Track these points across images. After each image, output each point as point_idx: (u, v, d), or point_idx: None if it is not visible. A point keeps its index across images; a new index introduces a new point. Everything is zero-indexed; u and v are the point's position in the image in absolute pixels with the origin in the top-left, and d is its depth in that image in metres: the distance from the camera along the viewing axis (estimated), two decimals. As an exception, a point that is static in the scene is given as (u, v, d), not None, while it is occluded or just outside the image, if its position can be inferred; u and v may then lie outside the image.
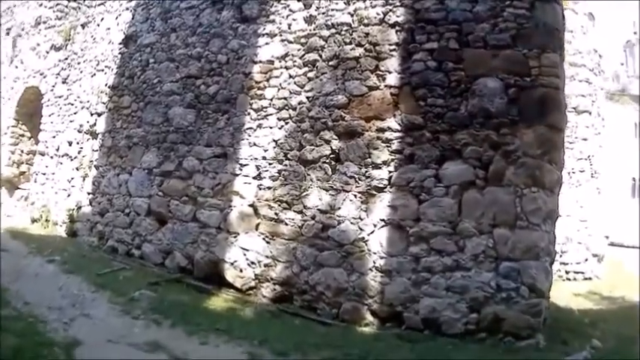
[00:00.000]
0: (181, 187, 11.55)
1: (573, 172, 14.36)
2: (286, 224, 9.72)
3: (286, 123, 10.00)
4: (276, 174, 9.98)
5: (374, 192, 8.83)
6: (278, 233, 9.81)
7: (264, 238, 9.99)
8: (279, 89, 10.23)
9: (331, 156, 9.37)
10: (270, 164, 10.10)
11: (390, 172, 8.73)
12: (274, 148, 10.09)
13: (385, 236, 8.67)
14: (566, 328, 8.76)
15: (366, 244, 8.81)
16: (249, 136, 10.50)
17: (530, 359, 7.06)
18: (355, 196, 9.00)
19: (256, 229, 10.14)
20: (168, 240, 11.54)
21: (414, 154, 8.53)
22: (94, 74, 14.89)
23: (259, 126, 10.38)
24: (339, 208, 9.13)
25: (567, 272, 14.36)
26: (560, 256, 14.02)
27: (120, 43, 14.11)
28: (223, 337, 7.46)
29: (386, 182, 8.74)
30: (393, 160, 8.73)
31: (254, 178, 10.30)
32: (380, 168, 8.82)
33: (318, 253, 9.23)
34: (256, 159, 10.30)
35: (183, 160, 11.59)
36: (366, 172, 8.93)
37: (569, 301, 11.33)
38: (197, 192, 11.21)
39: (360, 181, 8.98)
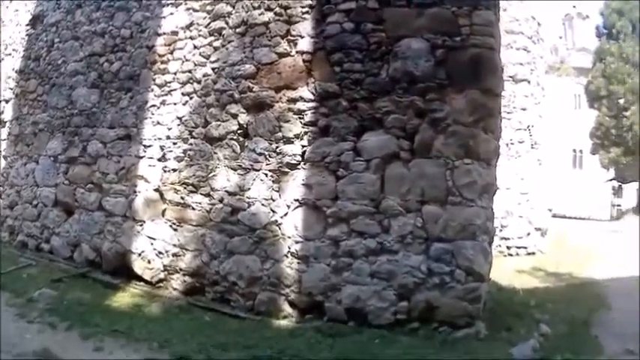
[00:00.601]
0: (87, 173, 10.09)
1: (512, 143, 13.19)
2: (193, 209, 8.33)
3: (191, 98, 8.57)
4: (181, 154, 8.56)
5: (286, 169, 7.50)
6: (185, 219, 8.42)
7: (170, 225, 8.60)
8: (183, 62, 8.78)
9: (239, 132, 7.99)
10: (174, 144, 8.67)
11: (303, 146, 7.42)
12: (178, 126, 8.65)
13: (300, 218, 7.36)
14: (510, 311, 7.77)
15: (280, 228, 7.50)
16: (153, 114, 9.06)
17: (466, 358, 5.95)
18: (266, 175, 7.65)
19: (163, 215, 8.75)
20: (76, 232, 10.17)
21: (329, 126, 7.22)
22: (2, 59, 13.16)
23: (163, 103, 8.94)
24: (249, 188, 7.78)
25: (509, 248, 13.20)
26: (501, 230, 12.88)
27: (27, 25, 12.48)
28: (121, 341, 6.39)
29: (299, 158, 7.43)
30: (306, 133, 7.41)
31: (159, 160, 8.87)
32: (292, 143, 7.48)
33: (228, 240, 7.89)
34: (160, 139, 8.87)
35: (87, 144, 10.12)
36: (277, 147, 7.58)
37: (513, 280, 10.19)
38: (102, 178, 9.76)
39: (270, 158, 7.63)
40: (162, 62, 9.04)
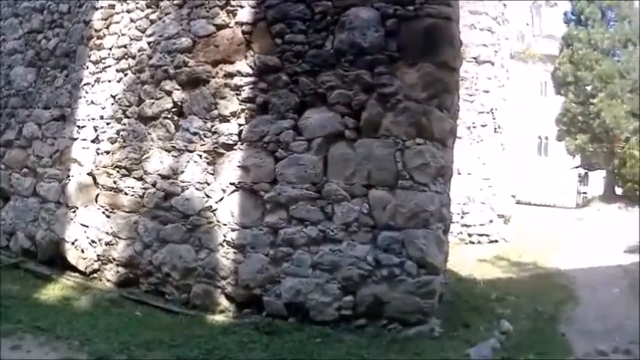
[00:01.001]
0: (22, 157, 9.19)
1: (474, 127, 12.39)
2: (126, 194, 7.44)
3: (125, 75, 7.65)
4: (115, 135, 7.65)
5: (222, 150, 6.64)
6: (118, 205, 7.53)
7: (104, 212, 7.71)
8: (119, 36, 7.83)
9: (173, 110, 7.09)
10: (108, 124, 7.75)
11: (240, 125, 6.55)
12: (112, 105, 7.73)
13: (237, 204, 6.50)
14: (469, 305, 7.06)
15: (215, 215, 6.64)
16: (87, 93, 8.10)
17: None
18: (200, 156, 6.78)
19: (96, 201, 7.81)
20: (11, 219, 9.26)
21: (268, 103, 6.35)
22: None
23: (97, 81, 8.00)
24: (183, 171, 6.91)
25: (470, 235, 12.42)
26: (462, 217, 12.15)
27: (-31, 3, 11.26)
28: (42, 338, 5.56)
29: (235, 138, 6.56)
30: (243, 110, 6.54)
31: (92, 141, 7.94)
32: (228, 121, 6.61)
33: (161, 227, 7.02)
34: (94, 119, 7.93)
35: (23, 126, 9.15)
36: (213, 126, 6.70)
37: (474, 270, 9.44)
38: (37, 162, 8.85)
39: (205, 139, 6.75)
40: (98, 37, 8.08)
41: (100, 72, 7.93)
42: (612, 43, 30.26)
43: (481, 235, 12.33)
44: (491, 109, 12.41)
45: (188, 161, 6.83)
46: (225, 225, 6.52)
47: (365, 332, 5.72)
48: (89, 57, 8.13)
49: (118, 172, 7.53)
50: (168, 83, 7.08)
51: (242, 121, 6.50)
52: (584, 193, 34.67)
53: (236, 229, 6.44)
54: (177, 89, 7.01)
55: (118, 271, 7.44)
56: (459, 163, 12.10)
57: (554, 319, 6.75)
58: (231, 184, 6.52)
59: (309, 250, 6.01)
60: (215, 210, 6.61)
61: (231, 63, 6.62)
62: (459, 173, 12.10)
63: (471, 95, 12.20)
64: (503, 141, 12.71)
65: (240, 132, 6.50)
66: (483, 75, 12.47)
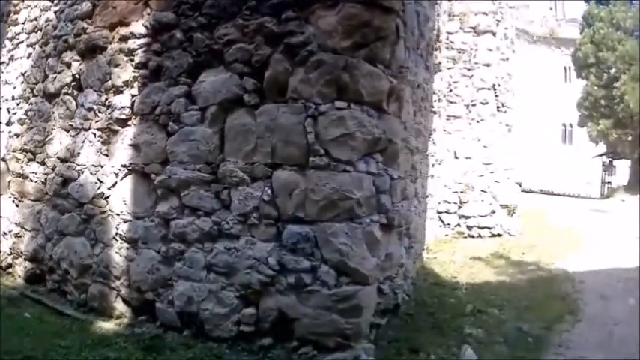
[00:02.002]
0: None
1: (473, 104, 10.54)
2: (31, 180, 6.18)
3: (33, 49, 6.38)
4: (24, 116, 6.41)
5: (116, 127, 5.27)
6: (25, 193, 6.30)
7: (13, 201, 6.46)
8: (31, 9, 6.57)
9: (73, 84, 5.76)
10: (18, 104, 6.52)
11: (132, 96, 5.13)
12: (22, 83, 6.49)
13: (129, 189, 5.12)
14: (431, 321, 5.37)
15: (108, 203, 5.28)
16: (2, 72, 6.89)
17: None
18: (95, 135, 5.43)
19: (8, 188, 6.59)
20: None
21: (161, 67, 4.92)
22: None
23: (12, 58, 6.79)
24: (79, 153, 5.57)
25: (469, 228, 10.50)
26: (460, 207, 10.35)
27: None
28: None
29: (129, 111, 5.16)
30: (136, 78, 5.11)
31: (6, 124, 6.72)
32: (122, 92, 5.22)
33: (59, 217, 5.73)
34: (7, 100, 6.71)
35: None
36: (107, 99, 5.33)
37: (462, 270, 7.71)
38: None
39: (99, 114, 5.39)
40: (15, 12, 6.87)
41: (15, 49, 6.74)
42: (635, 22, 26.48)
43: (482, 228, 10.40)
44: (493, 85, 10.53)
45: (84, 141, 5.50)
46: (118, 215, 5.15)
47: (270, 356, 4.25)
48: (7, 34, 6.97)
49: (25, 156, 6.32)
50: (68, 54, 5.78)
51: (135, 90, 5.12)
52: (609, 183, 30.95)
53: (128, 220, 5.06)
54: (77, 60, 5.69)
55: (25, 267, 6.22)
56: (456, 145, 10.42)
57: (541, 344, 4.95)
58: (122, 166, 5.15)
59: (202, 248, 4.59)
60: (108, 197, 5.26)
61: (127, 24, 5.23)
62: (456, 157, 10.37)
63: (469, 69, 10.40)
64: (509, 121, 10.79)
65: (133, 104, 5.13)
66: (483, 46, 10.58)
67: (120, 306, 5.22)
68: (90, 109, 5.44)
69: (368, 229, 4.29)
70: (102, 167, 5.32)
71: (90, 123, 5.44)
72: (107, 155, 5.31)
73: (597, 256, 8.76)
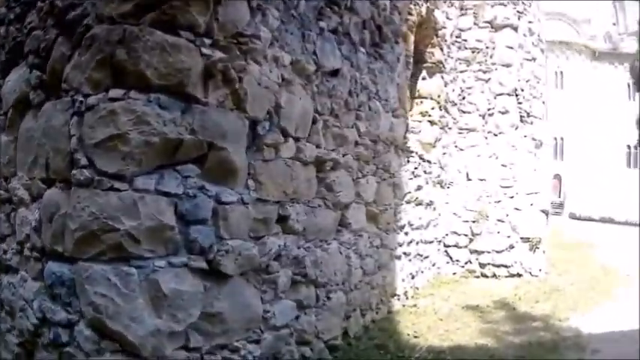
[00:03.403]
0: None
1: (490, 114, 8.46)
2: None
3: None
4: None
5: None
6: None
7: None
8: None
9: None
10: None
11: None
12: None
13: None
14: None
15: None
16: None
17: None
18: None
19: None
20: None
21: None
22: None
23: None
24: None
25: (482, 265, 8.42)
26: (471, 240, 8.30)
27: None
28: None
29: None
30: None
31: None
32: None
33: None
34: None
35: None
36: None
37: (438, 325, 5.79)
38: None
39: None
40: None
41: None
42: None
43: (497, 265, 8.28)
44: (515, 90, 8.46)
45: None
46: None
47: None
48: None
49: None
50: None
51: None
52: None
53: None
54: None
55: None
56: (469, 163, 8.49)
57: None
58: None
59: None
60: None
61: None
62: (469, 179, 8.40)
63: (485, 72, 8.43)
64: (537, 134, 8.61)
65: None
66: (501, 43, 8.58)
67: None
68: None
69: (151, 277, 2.91)
70: None
71: None
72: None
73: (633, 311, 6.50)
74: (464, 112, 8.55)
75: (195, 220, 3.11)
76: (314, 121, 4.20)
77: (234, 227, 3.39)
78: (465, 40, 8.63)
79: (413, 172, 6.64)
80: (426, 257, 7.41)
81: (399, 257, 6.24)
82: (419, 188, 6.85)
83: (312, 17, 4.14)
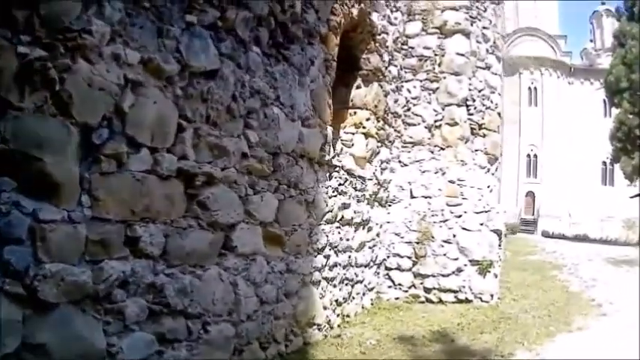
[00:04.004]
0: None
1: (437, 126, 7.98)
2: None
3: None
4: None
5: None
6: None
7: None
8: None
9: None
10: None
11: None
12: None
13: None
14: None
15: None
16: None
17: None
18: None
19: None
20: None
21: None
22: None
23: None
24: None
25: (428, 290, 7.81)
26: (414, 263, 7.79)
27: None
28: None
29: None
30: None
31: None
32: None
33: None
34: None
35: None
36: None
37: None
38: None
39: None
40: None
41: None
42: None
43: (444, 290, 7.71)
44: (466, 100, 7.98)
45: None
46: None
47: None
48: None
49: None
50: None
51: None
52: None
53: None
54: None
55: None
56: (413, 180, 7.97)
57: None
58: None
59: None
60: None
61: None
62: (413, 196, 7.91)
63: (432, 81, 7.97)
64: (490, 148, 8.10)
65: None
66: (451, 50, 8.12)
67: None
68: None
69: None
70: None
71: None
72: None
73: (591, 343, 5.98)
74: (409, 124, 8.09)
75: (10, 239, 2.71)
76: (180, 129, 3.74)
77: (56, 249, 2.92)
78: (412, 48, 8.19)
79: (337, 189, 6.12)
80: (359, 282, 6.90)
81: (316, 282, 5.72)
82: (345, 206, 6.34)
83: (175, 10, 3.68)
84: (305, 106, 5.26)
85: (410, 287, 7.76)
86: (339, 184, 6.17)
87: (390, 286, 7.78)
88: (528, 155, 42.44)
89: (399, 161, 8.07)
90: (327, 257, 5.92)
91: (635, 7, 23.61)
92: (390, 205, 7.86)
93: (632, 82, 22.81)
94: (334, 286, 6.16)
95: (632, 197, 26.79)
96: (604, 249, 16.60)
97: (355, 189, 6.64)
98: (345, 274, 6.43)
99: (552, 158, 41.11)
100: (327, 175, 5.87)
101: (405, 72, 8.16)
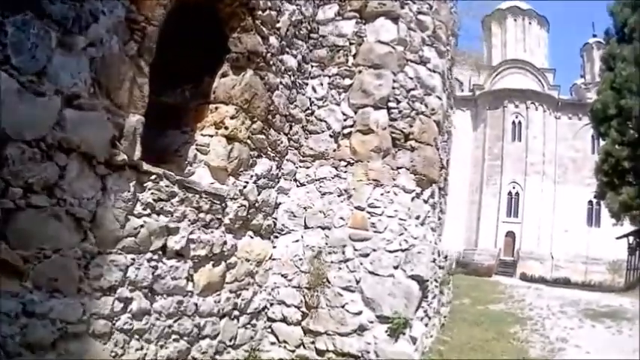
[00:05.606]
0: None
1: (346, 135, 6.14)
2: None
3: None
4: None
5: None
6: None
7: None
8: None
9: None
10: None
11: None
12: None
13: None
14: None
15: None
16: None
17: None
18: None
19: None
20: None
21: None
22: None
23: None
24: None
25: (320, 352, 5.83)
26: (305, 315, 5.98)
27: None
28: None
29: None
30: None
31: None
32: None
33: None
34: None
35: None
36: None
37: None
38: None
39: None
40: None
41: None
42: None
43: (342, 354, 5.81)
44: (387, 100, 6.20)
45: None
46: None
47: None
48: None
49: None
50: None
51: None
52: (637, 269, 23.95)
53: None
54: None
55: None
56: (307, 203, 6.25)
57: None
58: None
59: None
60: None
61: None
62: (307, 226, 6.20)
63: (344, 77, 6.29)
64: (421, 166, 6.23)
65: None
66: (372, 37, 6.42)
67: None
68: None
69: None
70: None
71: None
72: None
73: None
74: (311, 132, 6.44)
75: None
76: None
77: None
78: (324, 37, 6.61)
79: (153, 206, 4.45)
80: (207, 337, 5.17)
81: (102, 335, 4.00)
82: (170, 232, 4.65)
83: None
84: (75, 78, 3.63)
85: (298, 346, 5.96)
86: (158, 199, 4.48)
87: (273, 343, 6.02)
88: (510, 193, 41.42)
89: (295, 179, 6.39)
90: (127, 300, 4.21)
91: (626, 27, 21.74)
92: (276, 237, 6.17)
93: (621, 108, 20.66)
94: (148, 341, 4.43)
95: (618, 238, 25.29)
96: (584, 296, 14.54)
97: (198, 209, 4.95)
98: (170, 326, 4.71)
99: (535, 197, 40.14)
100: (132, 184, 4.19)
101: (312, 66, 6.54)
